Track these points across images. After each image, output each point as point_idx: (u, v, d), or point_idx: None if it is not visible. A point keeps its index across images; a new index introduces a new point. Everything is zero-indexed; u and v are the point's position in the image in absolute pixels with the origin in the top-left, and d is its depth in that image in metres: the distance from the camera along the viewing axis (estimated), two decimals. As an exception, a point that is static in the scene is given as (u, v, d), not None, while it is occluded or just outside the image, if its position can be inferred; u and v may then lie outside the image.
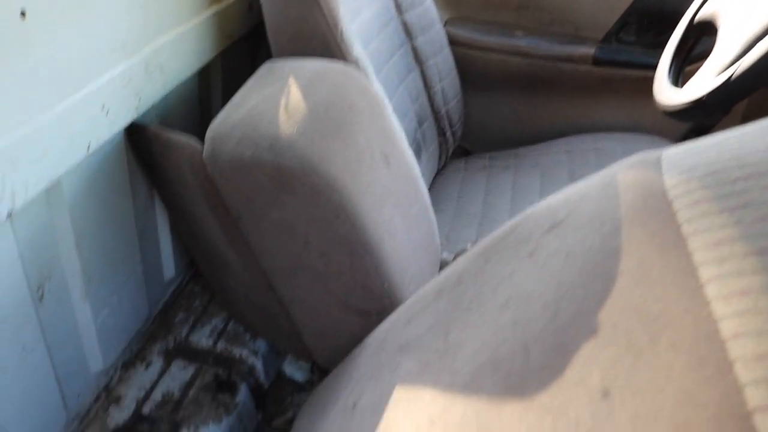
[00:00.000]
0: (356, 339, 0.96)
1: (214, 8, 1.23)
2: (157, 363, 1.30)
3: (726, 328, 0.35)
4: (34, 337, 0.97)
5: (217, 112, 0.98)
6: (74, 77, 0.88)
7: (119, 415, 1.19)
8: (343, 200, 0.86)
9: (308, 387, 1.42)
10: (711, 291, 0.40)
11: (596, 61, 1.72)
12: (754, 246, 0.38)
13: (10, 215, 0.80)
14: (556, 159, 1.71)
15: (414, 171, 1.07)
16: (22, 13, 0.77)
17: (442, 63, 1.69)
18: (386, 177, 0.95)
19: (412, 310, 0.78)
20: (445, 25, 1.77)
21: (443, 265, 1.26)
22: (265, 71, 0.99)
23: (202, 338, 1.35)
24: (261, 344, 1.34)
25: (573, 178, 1.57)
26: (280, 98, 0.88)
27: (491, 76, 1.85)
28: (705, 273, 0.41)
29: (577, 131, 1.83)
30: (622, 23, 1.70)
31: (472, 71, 1.84)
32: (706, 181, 0.48)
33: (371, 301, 0.97)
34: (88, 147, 0.91)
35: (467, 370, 0.56)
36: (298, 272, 0.98)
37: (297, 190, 0.85)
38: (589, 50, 1.71)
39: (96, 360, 1.18)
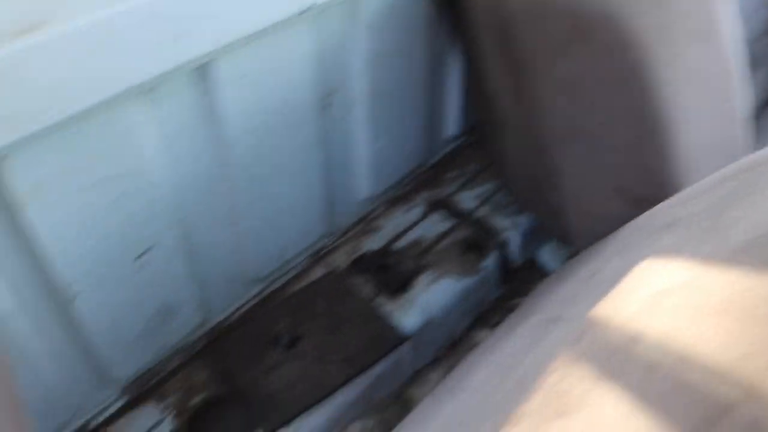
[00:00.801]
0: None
1: None
2: (418, 208, 1.33)
3: None
4: (312, 142, 1.03)
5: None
6: None
7: (371, 243, 1.25)
8: (642, 63, 0.77)
9: (558, 278, 1.37)
10: None
11: None
12: None
13: (310, 10, 0.84)
14: None
15: (734, 66, 0.93)
16: None
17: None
18: (698, 55, 0.83)
19: (687, 194, 0.69)
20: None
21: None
22: None
23: (467, 200, 1.35)
24: (523, 221, 1.31)
25: None
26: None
27: None
28: None
29: None
30: None
31: None
32: None
33: (648, 187, 0.88)
34: None
35: (734, 242, 0.47)
36: (576, 139, 0.91)
37: (592, 42, 0.78)
38: None
39: (364, 186, 1.23)
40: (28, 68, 0.62)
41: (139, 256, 0.89)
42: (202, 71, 0.81)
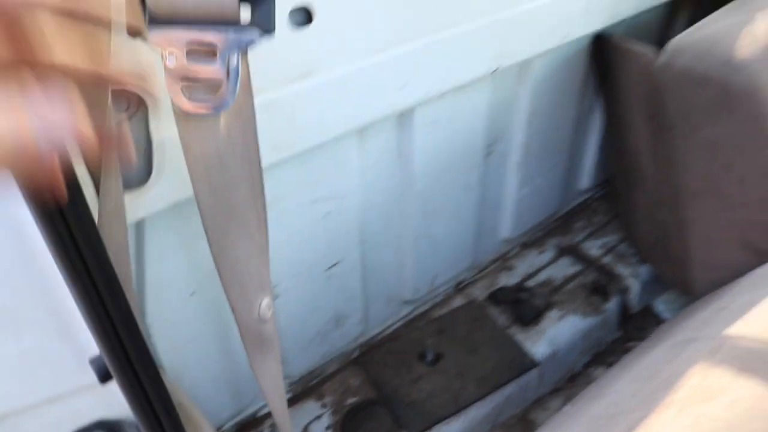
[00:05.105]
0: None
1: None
2: (549, 253, 1.47)
3: None
4: (473, 184, 1.20)
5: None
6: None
7: (507, 279, 1.40)
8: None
9: (674, 328, 1.47)
10: None
11: None
12: None
13: (494, 72, 1.02)
14: None
15: None
16: None
17: None
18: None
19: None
20: None
21: None
22: (740, 2, 1.04)
23: (593, 248, 1.48)
24: (644, 271, 1.43)
25: None
26: (748, 25, 0.94)
27: None
28: None
29: None
30: None
31: None
32: None
33: (773, 242, 0.99)
34: (562, 38, 1.08)
35: None
36: (709, 195, 1.04)
37: (737, 111, 0.91)
38: None
39: (505, 228, 1.39)
40: (294, 106, 0.81)
41: (329, 268, 1.07)
42: (403, 117, 1.00)
